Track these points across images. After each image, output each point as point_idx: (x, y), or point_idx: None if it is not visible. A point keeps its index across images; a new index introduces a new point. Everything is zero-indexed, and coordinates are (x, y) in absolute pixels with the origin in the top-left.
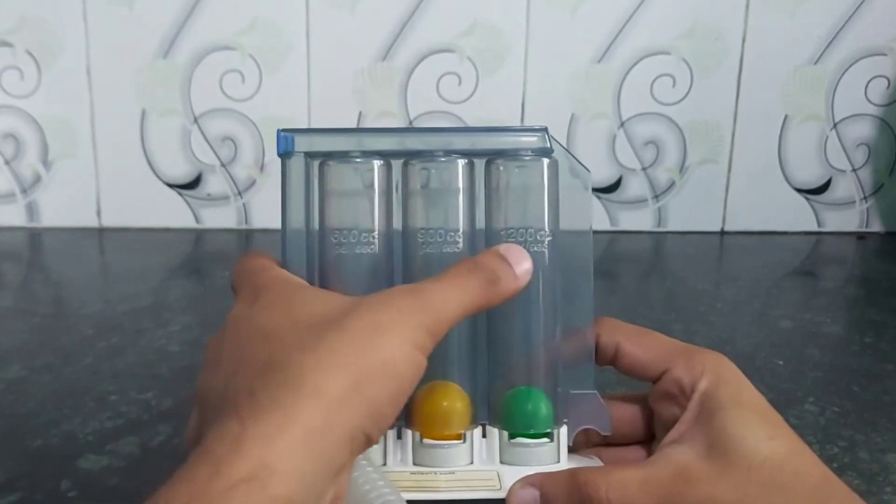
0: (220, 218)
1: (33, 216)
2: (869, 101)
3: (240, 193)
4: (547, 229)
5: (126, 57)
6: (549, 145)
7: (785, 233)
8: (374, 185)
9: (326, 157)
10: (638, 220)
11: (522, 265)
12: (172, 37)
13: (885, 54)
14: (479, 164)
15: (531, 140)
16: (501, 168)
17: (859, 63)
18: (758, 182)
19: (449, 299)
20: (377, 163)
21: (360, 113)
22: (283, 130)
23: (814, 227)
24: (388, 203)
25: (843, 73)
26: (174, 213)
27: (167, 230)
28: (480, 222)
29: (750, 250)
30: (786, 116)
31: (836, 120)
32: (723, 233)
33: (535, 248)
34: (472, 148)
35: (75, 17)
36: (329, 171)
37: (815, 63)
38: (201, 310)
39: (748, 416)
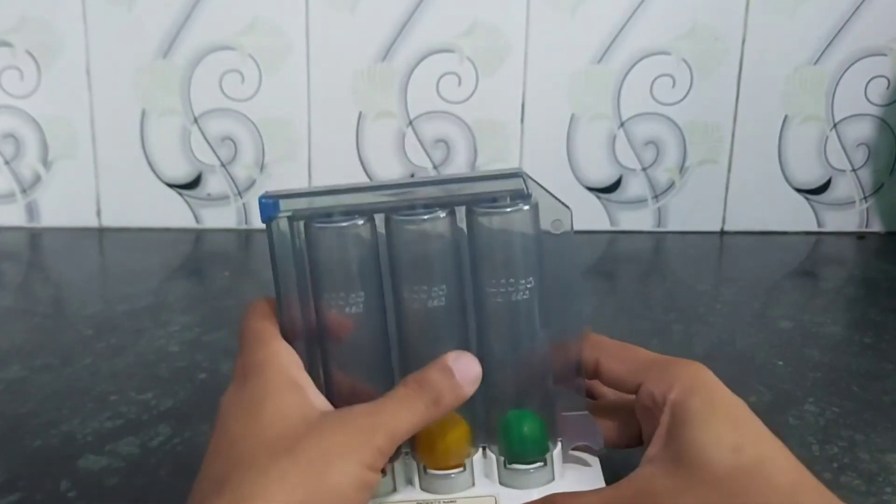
0: (220, 218)
1: (33, 216)
2: (869, 101)
3: (240, 193)
4: (531, 277)
5: (126, 57)
6: (525, 189)
7: (785, 233)
8: (358, 244)
9: (310, 218)
10: (638, 220)
11: (469, 374)
12: (172, 37)
13: (885, 54)
14: (461, 208)
15: (508, 186)
16: (482, 220)
17: (859, 63)
18: (758, 182)
19: (399, 419)
20: (359, 221)
21: (360, 113)
22: (265, 197)
23: (814, 227)
24: (374, 259)
25: (843, 74)
26: (174, 213)
27: (167, 230)
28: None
29: (750, 250)
30: (786, 117)
31: (836, 120)
32: (723, 233)
33: (519, 297)
34: (451, 196)
35: (75, 17)
36: (314, 234)
37: (815, 63)
38: (201, 310)
39: (716, 427)
